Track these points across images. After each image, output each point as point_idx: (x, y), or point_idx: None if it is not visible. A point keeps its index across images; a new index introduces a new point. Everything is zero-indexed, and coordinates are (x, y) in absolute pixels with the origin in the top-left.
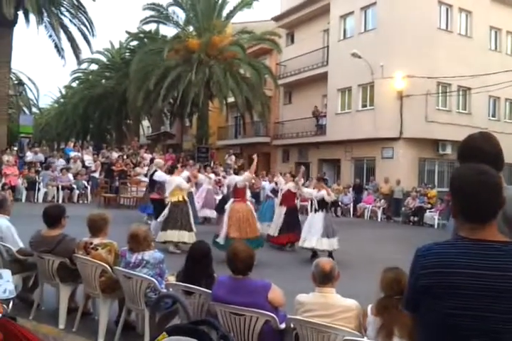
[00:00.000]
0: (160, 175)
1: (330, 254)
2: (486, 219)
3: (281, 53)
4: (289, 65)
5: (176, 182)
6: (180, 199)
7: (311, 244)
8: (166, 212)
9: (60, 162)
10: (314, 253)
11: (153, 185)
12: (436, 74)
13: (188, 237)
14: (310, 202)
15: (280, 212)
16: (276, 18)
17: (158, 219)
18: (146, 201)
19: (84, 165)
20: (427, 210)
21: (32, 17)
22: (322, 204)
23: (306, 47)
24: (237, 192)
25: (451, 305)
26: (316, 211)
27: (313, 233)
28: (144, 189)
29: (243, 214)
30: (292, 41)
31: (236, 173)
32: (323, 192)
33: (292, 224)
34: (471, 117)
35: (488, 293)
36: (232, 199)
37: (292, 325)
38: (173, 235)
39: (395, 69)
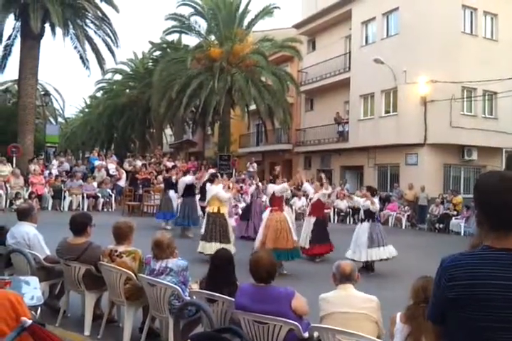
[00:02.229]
0: (209, 186)
1: (370, 265)
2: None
3: (303, 60)
4: (311, 72)
5: (213, 192)
6: (216, 210)
7: (360, 257)
8: (204, 222)
9: (82, 168)
10: (365, 264)
11: (205, 194)
12: (460, 78)
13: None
14: (333, 209)
15: (309, 222)
16: (298, 26)
17: (201, 231)
18: (163, 207)
19: (108, 174)
20: (453, 217)
21: (58, 29)
22: (368, 214)
23: (327, 53)
24: (274, 201)
25: (481, 317)
26: (362, 221)
27: (360, 246)
28: (161, 196)
29: (281, 224)
30: (314, 48)
31: (273, 182)
32: (369, 202)
33: (323, 235)
34: (498, 122)
35: None
36: (269, 209)
37: (316, 334)
38: (205, 247)
39: (418, 75)
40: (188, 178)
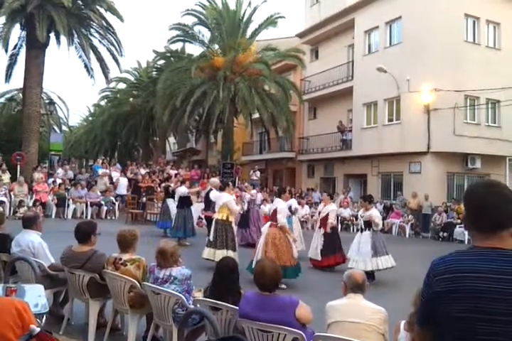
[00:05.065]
0: (214, 194)
1: (371, 273)
2: (495, 228)
3: (306, 69)
4: (314, 81)
5: (224, 200)
6: (224, 218)
7: (366, 266)
8: (211, 229)
9: (85, 176)
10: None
11: (209, 203)
12: (463, 87)
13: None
14: (336, 217)
15: (319, 234)
16: (301, 35)
17: (209, 237)
18: (164, 216)
19: (112, 182)
20: (457, 226)
21: (63, 39)
22: (368, 224)
23: (330, 62)
24: (274, 216)
25: (467, 309)
26: (362, 231)
27: (363, 255)
28: (161, 204)
29: (280, 240)
30: (317, 57)
31: (279, 196)
32: (370, 214)
33: (333, 246)
34: (501, 130)
35: (509, 297)
36: (269, 223)
37: None
38: (213, 254)
39: (421, 83)
40: (183, 190)
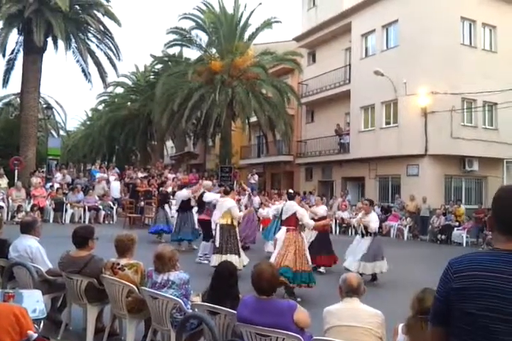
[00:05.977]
0: (208, 196)
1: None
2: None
3: (303, 73)
4: (311, 84)
5: (228, 206)
6: (229, 222)
7: (350, 266)
8: (217, 235)
9: (83, 181)
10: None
11: (202, 206)
12: (460, 90)
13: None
14: (334, 220)
15: (309, 236)
16: (298, 38)
17: (215, 244)
18: (156, 220)
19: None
20: (455, 228)
21: (60, 43)
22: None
23: (327, 66)
24: (291, 221)
25: (484, 306)
26: (363, 235)
27: (355, 256)
28: (155, 208)
29: (299, 245)
30: (314, 60)
31: (291, 199)
32: (369, 219)
33: (322, 248)
34: (498, 133)
35: None
36: (284, 228)
37: None
38: (220, 260)
39: (418, 86)
40: (184, 193)
